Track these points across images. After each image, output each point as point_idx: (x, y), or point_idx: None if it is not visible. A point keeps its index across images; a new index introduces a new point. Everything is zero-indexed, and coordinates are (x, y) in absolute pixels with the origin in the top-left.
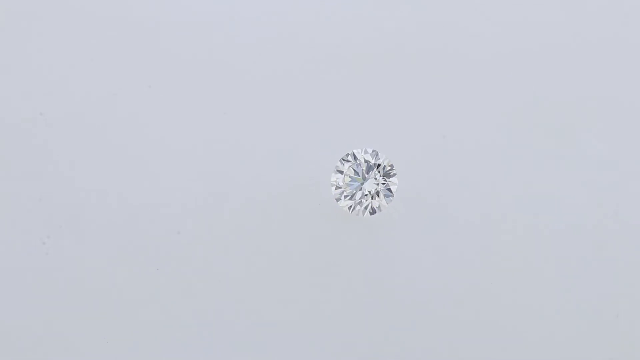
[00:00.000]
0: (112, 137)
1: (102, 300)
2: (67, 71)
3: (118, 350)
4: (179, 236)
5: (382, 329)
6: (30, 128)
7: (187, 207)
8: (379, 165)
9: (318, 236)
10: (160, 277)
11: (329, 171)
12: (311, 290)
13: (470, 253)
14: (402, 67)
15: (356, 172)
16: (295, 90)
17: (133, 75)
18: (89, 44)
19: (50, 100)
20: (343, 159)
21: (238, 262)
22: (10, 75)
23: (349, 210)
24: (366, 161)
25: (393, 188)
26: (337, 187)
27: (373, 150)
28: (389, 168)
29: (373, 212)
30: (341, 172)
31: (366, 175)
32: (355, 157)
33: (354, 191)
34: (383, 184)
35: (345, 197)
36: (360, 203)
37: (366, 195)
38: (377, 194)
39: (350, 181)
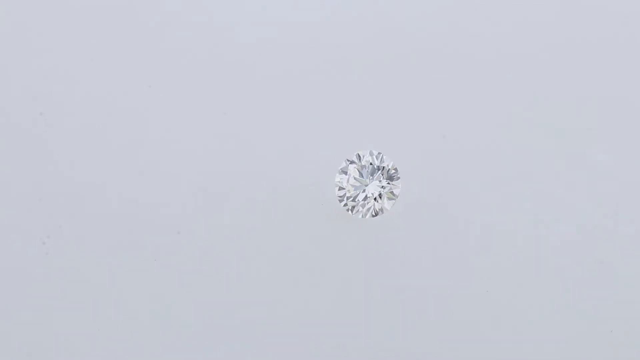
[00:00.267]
0: (112, 137)
1: (103, 300)
2: (67, 71)
3: (118, 350)
4: (179, 236)
5: (382, 330)
6: (30, 128)
7: (187, 207)
8: (383, 167)
9: (319, 237)
10: (161, 277)
11: (329, 172)
12: (312, 291)
13: (470, 255)
14: (404, 67)
15: (360, 174)
16: (295, 91)
17: (133, 75)
18: (89, 44)
19: (50, 100)
20: (348, 160)
21: (238, 262)
22: (10, 75)
23: (351, 211)
24: (371, 163)
25: (396, 191)
26: (341, 188)
27: (378, 153)
28: (394, 171)
29: (375, 214)
30: (345, 173)
31: (370, 178)
32: (360, 159)
33: (358, 193)
34: (386, 186)
35: (348, 198)
36: (363, 205)
37: (369, 197)
38: (380, 196)
39: (354, 182)
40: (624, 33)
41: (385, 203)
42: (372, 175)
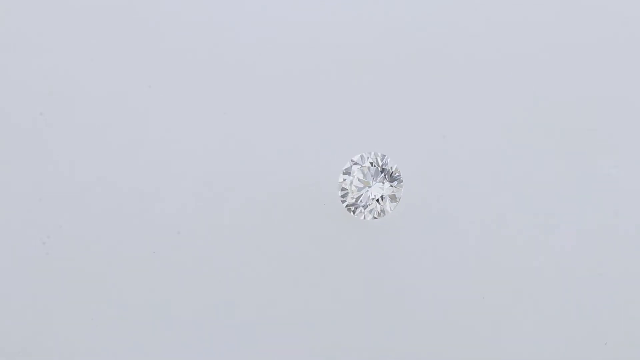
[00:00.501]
0: (112, 137)
1: (103, 300)
2: (67, 71)
3: (118, 350)
4: (179, 236)
5: (382, 331)
6: (30, 128)
7: (187, 207)
8: (386, 169)
9: (319, 237)
10: (161, 278)
11: (328, 172)
12: (312, 292)
13: (471, 256)
14: (404, 68)
15: (364, 176)
16: (295, 91)
17: (133, 75)
18: (89, 44)
19: (50, 100)
20: (352, 161)
21: (238, 262)
22: (10, 75)
23: (353, 213)
24: (374, 165)
25: (398, 194)
26: (343, 189)
27: (382, 155)
28: (397, 174)
29: (377, 216)
30: (349, 174)
31: (373, 180)
32: (363, 160)
33: (361, 194)
34: (389, 189)
35: (352, 199)
36: (365, 206)
37: (372, 199)
38: (382, 198)
39: (357, 184)
40: (626, 33)
41: (387, 205)
42: (375, 177)
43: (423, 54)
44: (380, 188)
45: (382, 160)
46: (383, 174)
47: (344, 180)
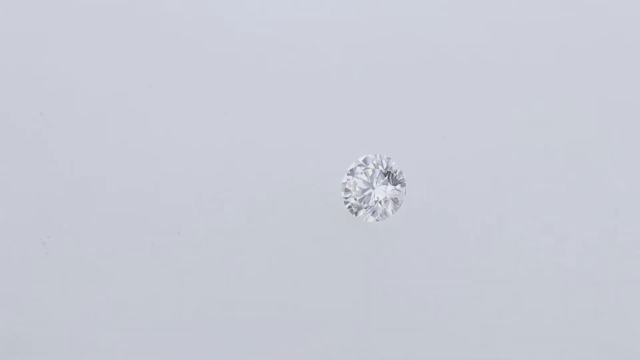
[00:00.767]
0: (112, 137)
1: (103, 300)
2: (67, 71)
3: (118, 350)
4: (179, 236)
5: (381, 332)
6: (30, 128)
7: (187, 208)
8: (389, 172)
9: (320, 238)
10: (161, 277)
11: (328, 172)
12: (312, 292)
13: (471, 259)
14: (406, 69)
15: (368, 177)
16: (295, 91)
17: (133, 75)
18: (89, 44)
19: (50, 100)
20: (357, 162)
21: (239, 262)
22: (10, 75)
23: (355, 214)
24: (379, 167)
25: (401, 197)
26: (347, 190)
27: (387, 158)
28: (401, 178)
29: (379, 218)
30: (352, 175)
31: (377, 182)
32: (368, 162)
33: (363, 196)
34: (392, 191)
35: (355, 200)
36: (367, 208)
37: (375, 201)
38: (385, 201)
39: (361, 185)
40: (630, 36)
41: (389, 208)
42: (379, 179)
43: (423, 54)
44: (383, 191)
45: (386, 163)
46: (387, 177)
47: (348, 180)
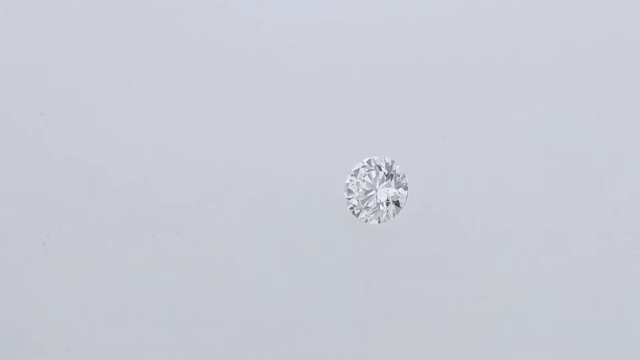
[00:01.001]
0: (111, 137)
1: (103, 300)
2: (67, 71)
3: (118, 350)
4: (179, 236)
5: (381, 333)
6: (30, 128)
7: (187, 208)
8: (393, 175)
9: (320, 238)
10: (161, 277)
11: (328, 173)
12: (312, 292)
13: (471, 261)
14: (406, 69)
15: (371, 179)
16: (295, 91)
17: (133, 75)
18: (89, 44)
19: (50, 100)
20: (362, 163)
21: (239, 262)
22: (10, 75)
23: (356, 215)
24: (382, 169)
25: (403, 200)
26: (350, 191)
27: (391, 161)
28: (404, 181)
29: (380, 220)
30: (356, 176)
31: (380, 184)
32: (372, 164)
33: (366, 197)
34: (395, 194)
35: (358, 201)
36: (368, 210)
37: (377, 203)
38: (387, 203)
39: (364, 187)
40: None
41: (391, 210)
42: (382, 181)
43: (423, 55)
44: (385, 193)
45: (390, 166)
46: (390, 180)
47: (351, 181)
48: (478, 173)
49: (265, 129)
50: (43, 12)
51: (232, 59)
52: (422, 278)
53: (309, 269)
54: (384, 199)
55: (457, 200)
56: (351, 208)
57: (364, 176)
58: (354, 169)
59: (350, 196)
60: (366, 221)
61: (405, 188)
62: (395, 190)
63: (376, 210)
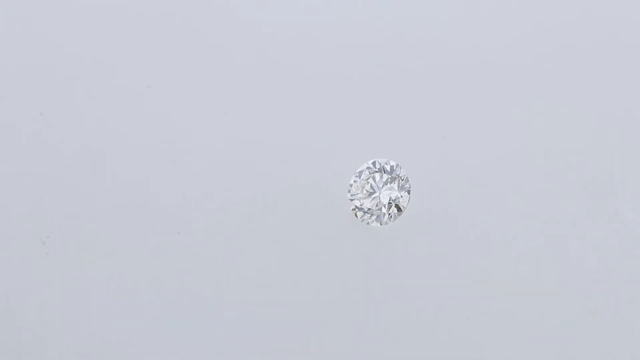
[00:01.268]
0: (111, 138)
1: (102, 300)
2: (67, 71)
3: (118, 350)
4: (179, 236)
5: (380, 335)
6: (30, 128)
7: (187, 208)
8: (396, 178)
9: (320, 239)
10: (161, 277)
11: (326, 174)
12: (312, 293)
13: (472, 264)
14: (407, 69)
15: (375, 182)
16: (295, 91)
17: (133, 75)
18: (89, 43)
19: (50, 100)
20: (366, 165)
21: (239, 263)
22: (10, 75)
23: (357, 216)
24: (386, 172)
25: (405, 203)
26: (353, 193)
27: (396, 164)
28: (408, 185)
29: (381, 223)
30: (360, 177)
31: (383, 187)
32: (376, 166)
33: (368, 200)
34: (397, 197)
35: (360, 203)
36: (370, 212)
37: (379, 205)
38: (389, 206)
39: (368, 188)
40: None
41: (393, 214)
42: (385, 184)
43: (424, 55)
44: (388, 195)
45: (394, 168)
46: (393, 183)
47: (355, 182)
48: (478, 174)
49: (265, 129)
50: (43, 12)
51: (232, 58)
52: (422, 279)
53: (309, 269)
54: (386, 202)
55: (457, 201)
56: (353, 209)
57: (368, 178)
58: (359, 170)
59: (352, 197)
60: (367, 223)
61: (408, 192)
62: (398, 194)
63: (378, 212)
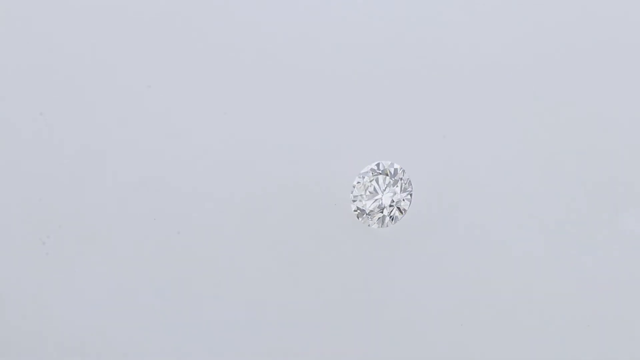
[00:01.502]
0: (111, 137)
1: (102, 300)
2: (67, 71)
3: (118, 351)
4: (179, 236)
5: (380, 337)
6: (30, 128)
7: (187, 208)
8: (398, 181)
9: (320, 240)
10: (161, 278)
11: (325, 174)
12: (311, 293)
13: (472, 263)
14: (407, 69)
15: (378, 184)
16: (295, 91)
17: (132, 75)
18: (89, 43)
19: (50, 100)
20: (370, 166)
21: (239, 263)
22: (10, 75)
23: (358, 217)
24: (389, 175)
25: (406, 206)
26: (355, 194)
27: (401, 168)
28: (410, 188)
29: (382, 225)
30: (363, 178)
31: (386, 189)
32: (380, 169)
33: (371, 201)
34: (399, 200)
35: (362, 204)
36: (370, 213)
37: (380, 207)
38: (391, 208)
39: (371, 190)
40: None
41: (394, 216)
42: (388, 187)
43: (424, 55)
44: (390, 198)
45: (398, 171)
46: (396, 186)
47: (358, 183)
48: (480, 175)
49: (264, 129)
50: (43, 12)
51: (232, 58)
52: (422, 280)
53: (310, 269)
54: (387, 204)
55: (458, 202)
56: (355, 211)
57: (371, 180)
58: (362, 171)
59: (355, 198)
60: (368, 225)
61: (410, 195)
62: (400, 197)
63: (379, 215)
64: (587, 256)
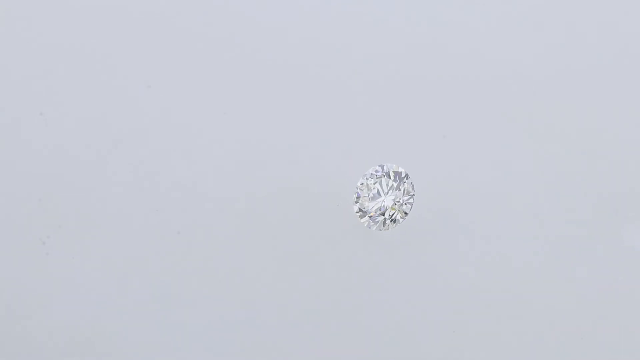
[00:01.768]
0: (111, 137)
1: (102, 300)
2: (67, 71)
3: (117, 351)
4: (179, 236)
5: (379, 338)
6: (30, 128)
7: (187, 208)
8: (402, 184)
9: (320, 240)
10: (161, 278)
11: (325, 174)
12: (313, 293)
13: (472, 264)
14: (407, 69)
15: (381, 186)
16: (295, 91)
17: (133, 75)
18: (89, 43)
19: (50, 100)
20: (374, 167)
21: (239, 263)
22: (10, 75)
23: (360, 218)
24: (392, 178)
25: (408, 210)
26: (357, 196)
27: (406, 172)
28: (413, 192)
29: (382, 228)
30: (366, 179)
31: (389, 192)
32: (383, 171)
33: (373, 204)
34: (401, 203)
35: (363, 205)
36: (372, 216)
37: (382, 210)
38: (392, 213)
39: (371, 192)
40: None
41: (396, 219)
42: (391, 190)
43: (424, 55)
44: (392, 200)
45: (401, 175)
46: (399, 189)
47: (361, 184)
48: (481, 178)
49: (264, 129)
50: (43, 12)
51: (232, 58)
52: (423, 281)
53: (311, 269)
54: (389, 206)
55: (459, 204)
56: (357, 212)
57: (375, 182)
58: (364, 173)
59: (356, 200)
60: (370, 227)
61: (412, 197)
62: (403, 201)
63: (381, 217)
64: (583, 266)
